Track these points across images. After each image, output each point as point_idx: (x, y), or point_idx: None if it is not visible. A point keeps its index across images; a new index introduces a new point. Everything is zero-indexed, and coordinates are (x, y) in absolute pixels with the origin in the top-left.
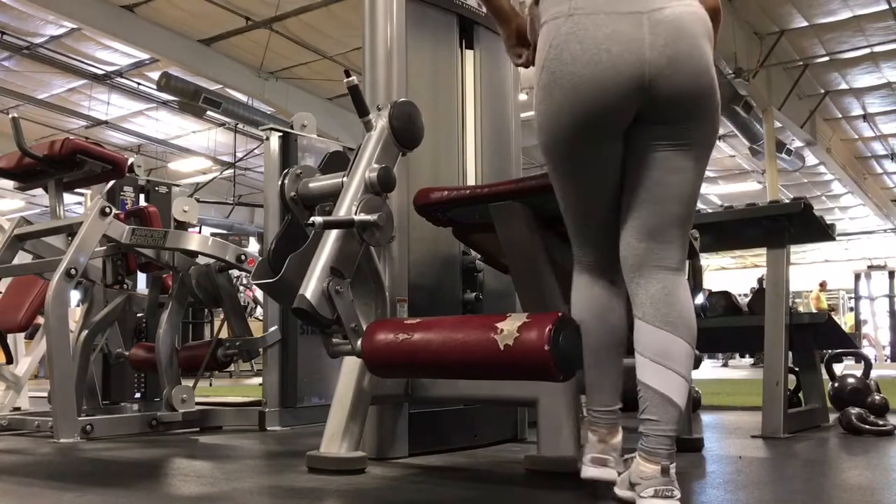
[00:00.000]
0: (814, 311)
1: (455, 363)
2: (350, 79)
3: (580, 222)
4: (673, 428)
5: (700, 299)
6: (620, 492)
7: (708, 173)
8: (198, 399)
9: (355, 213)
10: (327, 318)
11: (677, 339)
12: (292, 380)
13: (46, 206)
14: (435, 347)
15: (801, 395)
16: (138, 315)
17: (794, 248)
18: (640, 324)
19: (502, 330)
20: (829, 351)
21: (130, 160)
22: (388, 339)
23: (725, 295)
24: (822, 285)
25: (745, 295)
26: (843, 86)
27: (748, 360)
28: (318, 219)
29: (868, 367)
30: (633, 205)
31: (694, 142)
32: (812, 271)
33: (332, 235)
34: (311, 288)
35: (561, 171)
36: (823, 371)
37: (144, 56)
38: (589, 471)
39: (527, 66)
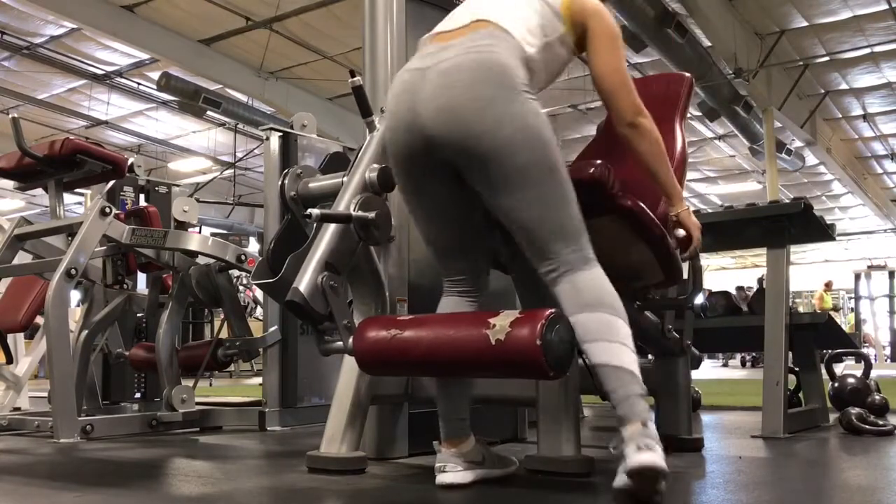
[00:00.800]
0: (817, 310)
1: (446, 359)
2: (355, 79)
3: (430, 247)
4: (634, 389)
5: (700, 299)
6: (618, 482)
7: (708, 173)
8: (198, 399)
9: (353, 210)
10: (320, 312)
11: (602, 314)
12: (292, 380)
13: (46, 206)
14: (426, 344)
15: (801, 395)
16: (138, 315)
17: (794, 248)
18: (571, 320)
19: (494, 325)
20: (829, 351)
21: (130, 160)
22: (380, 336)
23: (725, 295)
24: (828, 285)
25: (741, 287)
26: (843, 86)
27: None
28: (315, 211)
29: (868, 367)
30: (513, 236)
31: (504, 179)
32: (812, 271)
33: (329, 231)
34: (304, 281)
35: (405, 202)
36: (823, 371)
37: (144, 56)
38: (443, 477)
39: None
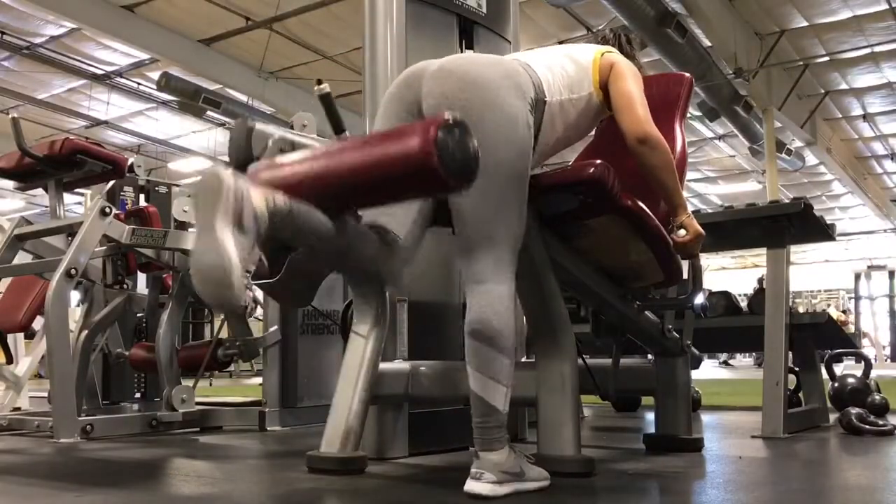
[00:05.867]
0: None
1: (342, 169)
2: (322, 86)
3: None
4: (489, 422)
5: (700, 299)
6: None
7: (708, 173)
8: (198, 399)
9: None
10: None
11: (483, 346)
12: (292, 380)
13: (46, 206)
14: (323, 158)
15: (801, 395)
16: (138, 315)
17: (794, 248)
18: (466, 329)
19: (390, 133)
20: (830, 351)
21: (130, 160)
22: (277, 162)
23: (725, 295)
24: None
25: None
26: (843, 86)
27: (747, 361)
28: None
29: (868, 367)
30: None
31: None
32: (812, 271)
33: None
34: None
35: None
36: (823, 371)
37: (144, 56)
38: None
39: None
